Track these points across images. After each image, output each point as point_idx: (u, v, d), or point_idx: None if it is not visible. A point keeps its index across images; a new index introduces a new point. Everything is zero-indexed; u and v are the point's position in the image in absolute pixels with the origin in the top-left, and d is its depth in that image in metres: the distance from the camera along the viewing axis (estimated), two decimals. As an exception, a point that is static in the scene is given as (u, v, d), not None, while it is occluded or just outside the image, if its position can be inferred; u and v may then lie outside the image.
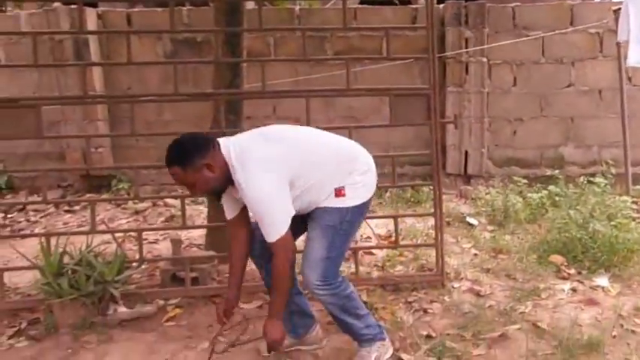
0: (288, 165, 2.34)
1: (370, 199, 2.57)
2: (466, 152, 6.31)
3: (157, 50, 6.40)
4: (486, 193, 5.46)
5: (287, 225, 2.29)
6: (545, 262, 3.78)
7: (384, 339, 2.63)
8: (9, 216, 5.63)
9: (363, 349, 2.60)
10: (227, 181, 2.36)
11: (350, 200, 2.45)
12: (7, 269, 3.51)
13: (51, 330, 3.05)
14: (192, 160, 2.31)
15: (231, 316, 2.64)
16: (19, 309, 3.31)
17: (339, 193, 2.44)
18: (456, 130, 6.09)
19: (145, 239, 3.97)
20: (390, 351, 2.65)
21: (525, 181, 5.53)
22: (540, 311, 3.13)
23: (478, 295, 3.37)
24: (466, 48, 6.16)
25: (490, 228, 4.72)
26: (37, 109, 3.34)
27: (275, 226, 2.29)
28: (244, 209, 2.52)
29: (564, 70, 6.34)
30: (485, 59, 6.21)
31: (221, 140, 2.40)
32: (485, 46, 6.14)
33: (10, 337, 3.02)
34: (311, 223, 2.46)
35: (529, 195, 5.16)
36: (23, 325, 3.14)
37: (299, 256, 2.44)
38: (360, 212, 2.53)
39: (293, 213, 2.31)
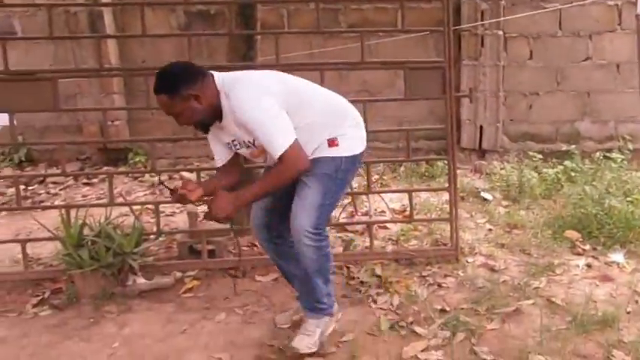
0: (283, 97, 2.30)
1: (362, 153, 2.54)
2: (481, 127, 6.24)
3: (171, 22, 6.35)
4: (501, 168, 5.42)
5: (294, 135, 2.24)
6: (560, 237, 3.75)
7: (332, 314, 2.59)
8: (29, 188, 5.67)
9: (311, 320, 2.52)
10: (215, 114, 2.32)
11: (343, 150, 2.42)
12: (30, 240, 3.56)
13: (73, 300, 3.09)
14: (180, 90, 2.25)
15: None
16: (42, 279, 3.35)
17: (332, 143, 2.41)
18: (471, 104, 6.01)
19: (162, 212, 3.99)
20: (332, 327, 2.62)
21: (540, 156, 5.47)
22: (555, 287, 3.11)
23: (492, 270, 3.35)
24: (482, 20, 6.04)
25: (505, 203, 4.68)
26: (53, 82, 3.33)
27: (281, 135, 2.23)
28: (235, 157, 2.53)
29: (581, 43, 6.21)
30: (501, 32, 6.09)
31: (215, 73, 2.37)
32: (502, 19, 6.02)
33: (34, 306, 3.07)
34: (304, 175, 2.37)
35: (544, 170, 5.11)
36: (46, 295, 3.18)
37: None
38: (354, 164, 2.50)
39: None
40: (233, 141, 2.41)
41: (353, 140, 2.48)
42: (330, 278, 2.55)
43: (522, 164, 5.38)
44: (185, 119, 2.32)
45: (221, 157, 2.52)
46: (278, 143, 2.22)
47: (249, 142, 2.35)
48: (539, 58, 6.24)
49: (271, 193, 2.36)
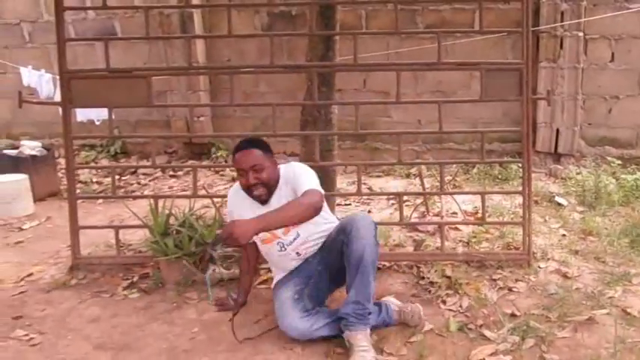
0: None
1: None
2: (557, 130, 5.98)
3: (255, 23, 6.48)
4: (577, 173, 5.19)
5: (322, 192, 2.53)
6: (638, 246, 3.55)
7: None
8: (123, 178, 5.97)
9: (360, 336, 2.41)
10: (275, 186, 2.64)
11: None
12: (122, 227, 3.74)
13: (158, 285, 3.23)
14: (270, 152, 2.65)
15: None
16: (132, 264, 3.52)
17: None
18: (548, 106, 5.77)
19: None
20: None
21: (619, 161, 5.20)
22: (631, 297, 2.94)
23: (565, 276, 3.22)
24: (562, 21, 5.78)
25: (580, 209, 4.47)
26: (147, 80, 3.47)
27: (317, 184, 2.55)
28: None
29: (668, 45, 5.82)
30: (581, 33, 5.80)
31: None
32: (583, 20, 5.73)
33: (124, 289, 3.23)
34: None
35: (623, 176, 4.86)
36: (135, 279, 3.34)
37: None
38: None
39: None
40: None
41: None
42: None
43: (599, 169, 5.13)
44: (267, 175, 2.58)
45: None
46: (314, 184, 2.53)
47: None
48: (621, 61, 5.90)
49: (293, 222, 2.45)
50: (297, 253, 2.70)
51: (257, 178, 2.55)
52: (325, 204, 2.63)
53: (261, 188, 2.58)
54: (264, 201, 2.62)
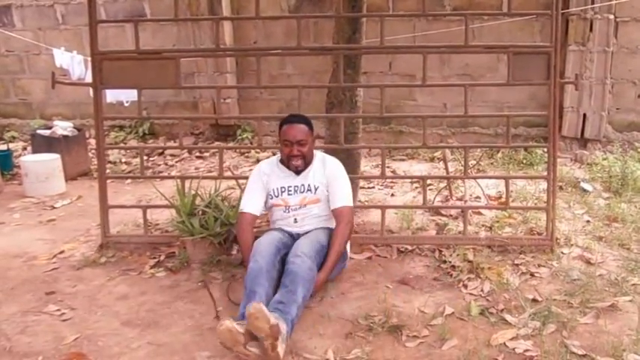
0: None
1: None
2: (584, 115, 5.84)
3: (282, 5, 6.41)
4: (603, 159, 5.07)
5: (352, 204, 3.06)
6: (664, 234, 3.47)
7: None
8: (150, 159, 6.03)
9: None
10: (309, 163, 3.02)
11: None
12: (150, 207, 3.79)
13: (184, 264, 3.27)
14: (312, 130, 3.02)
15: None
16: (159, 243, 3.57)
17: None
18: (576, 91, 5.61)
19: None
20: None
21: (648, 148, 5.05)
22: (655, 285, 2.89)
23: (588, 262, 3.17)
24: (592, 4, 5.59)
25: (605, 195, 4.38)
26: (176, 61, 3.49)
27: (351, 194, 3.04)
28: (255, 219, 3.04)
29: (702, 28, 5.61)
30: (612, 16, 5.61)
31: None
32: (614, 2, 5.55)
33: (151, 267, 3.28)
34: None
35: (650, 162, 4.72)
36: (162, 258, 3.39)
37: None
38: None
39: None
40: (295, 186, 2.99)
41: None
42: None
43: (627, 155, 5.00)
44: (308, 150, 2.96)
45: (255, 207, 3.01)
46: (350, 198, 3.02)
47: (314, 186, 2.98)
48: (653, 45, 5.71)
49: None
50: (295, 219, 3.00)
51: (299, 151, 2.93)
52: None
53: (300, 160, 2.96)
54: (299, 172, 3.00)
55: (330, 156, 3.17)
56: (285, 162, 3.01)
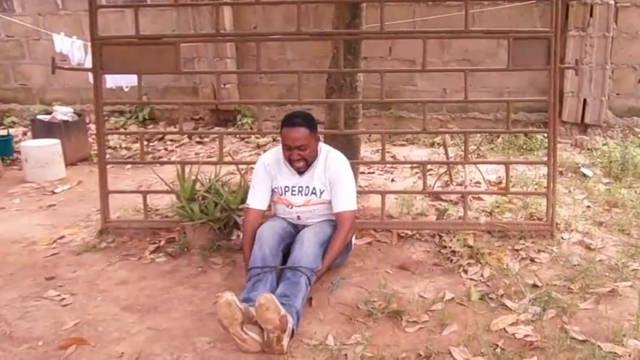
0: None
1: None
2: (584, 100, 5.77)
3: (282, -10, 6.32)
4: (604, 144, 5.02)
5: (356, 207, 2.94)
6: (664, 219, 3.43)
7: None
8: (150, 144, 5.97)
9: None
10: (312, 162, 2.87)
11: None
12: (150, 192, 3.75)
13: (184, 249, 3.24)
14: (316, 130, 2.85)
15: None
16: (159, 228, 3.53)
17: None
18: (576, 76, 5.55)
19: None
20: None
21: (648, 133, 5.00)
22: (655, 270, 2.86)
23: (588, 248, 3.14)
24: (593, -11, 5.51)
25: (605, 180, 4.34)
26: (176, 46, 3.44)
27: (355, 198, 2.92)
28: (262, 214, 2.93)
29: (703, 13, 5.53)
30: (612, 1, 5.52)
31: None
32: (615, -13, 5.47)
33: (151, 252, 3.25)
34: None
35: (650, 148, 4.67)
36: (162, 243, 3.36)
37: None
38: None
39: None
40: (299, 186, 2.89)
41: None
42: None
43: (627, 141, 4.95)
44: (310, 152, 2.82)
45: (262, 202, 2.92)
46: (353, 200, 2.90)
47: (319, 190, 2.88)
48: (654, 30, 5.63)
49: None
50: (299, 216, 2.93)
51: (300, 155, 2.80)
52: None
53: (302, 163, 2.84)
54: (301, 173, 2.89)
55: (335, 152, 3.00)
56: (288, 162, 2.90)
